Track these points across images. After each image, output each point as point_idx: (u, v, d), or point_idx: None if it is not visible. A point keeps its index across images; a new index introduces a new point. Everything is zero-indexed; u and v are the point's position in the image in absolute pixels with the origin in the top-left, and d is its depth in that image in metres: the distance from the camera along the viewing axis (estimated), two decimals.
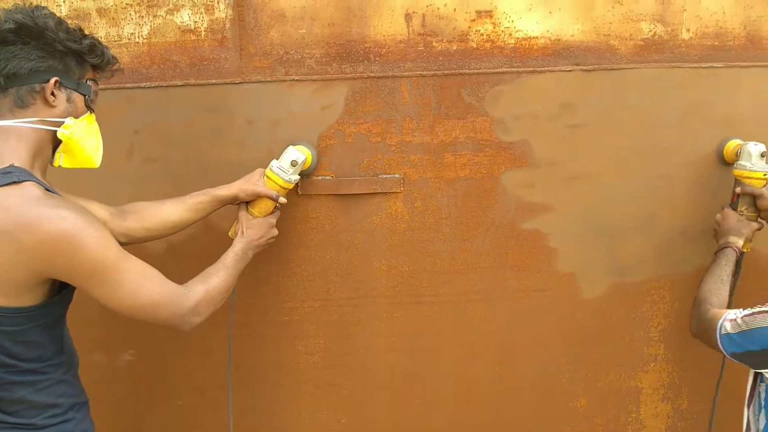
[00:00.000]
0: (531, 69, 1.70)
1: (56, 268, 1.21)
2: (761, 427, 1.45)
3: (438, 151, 1.73)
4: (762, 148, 1.71)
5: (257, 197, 1.60)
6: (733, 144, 1.76)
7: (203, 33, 1.71)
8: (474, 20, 1.68)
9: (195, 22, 1.71)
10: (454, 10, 1.67)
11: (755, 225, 1.74)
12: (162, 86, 1.74)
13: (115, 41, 1.73)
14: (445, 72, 1.69)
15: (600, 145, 1.76)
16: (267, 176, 1.60)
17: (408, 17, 1.67)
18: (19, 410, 1.27)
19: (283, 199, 1.61)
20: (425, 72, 1.69)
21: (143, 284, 1.29)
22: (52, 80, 1.26)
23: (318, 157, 1.72)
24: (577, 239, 1.79)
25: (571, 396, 1.86)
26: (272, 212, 1.63)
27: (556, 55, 1.71)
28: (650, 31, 1.73)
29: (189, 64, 1.72)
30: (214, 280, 1.43)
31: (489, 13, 1.68)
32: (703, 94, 1.77)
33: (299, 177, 1.64)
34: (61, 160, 1.32)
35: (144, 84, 1.74)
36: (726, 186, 1.79)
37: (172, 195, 1.68)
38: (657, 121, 1.76)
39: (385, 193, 1.74)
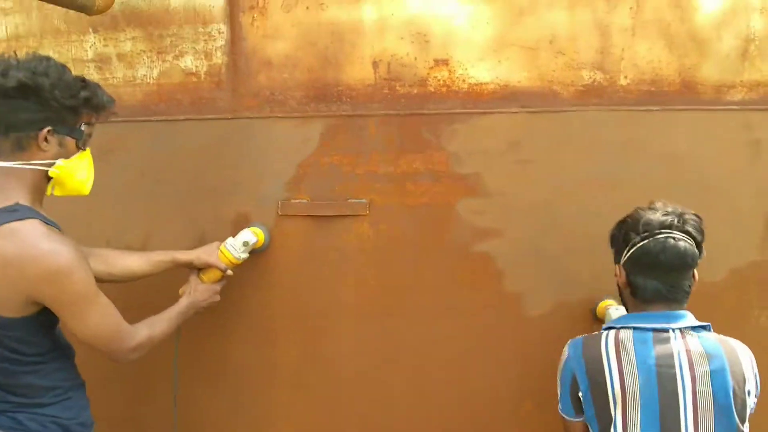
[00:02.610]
0: (482, 110, 1.94)
1: (45, 295, 1.47)
2: None
3: (401, 180, 1.97)
4: (621, 310, 1.80)
5: (209, 266, 1.88)
6: (604, 304, 1.91)
7: (203, 76, 2.01)
8: (432, 68, 1.93)
9: (196, 66, 2.01)
10: (415, 59, 1.93)
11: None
12: (168, 120, 2.05)
13: (130, 81, 2.06)
14: (407, 112, 1.95)
15: (545, 179, 1.98)
16: (221, 250, 1.88)
17: (375, 65, 1.94)
18: (27, 393, 1.54)
19: (230, 272, 1.89)
20: (390, 111, 1.95)
21: (105, 320, 1.56)
22: (45, 130, 1.48)
23: (297, 183, 1.99)
24: (524, 262, 2.00)
25: (519, 402, 2.05)
26: (219, 280, 1.91)
27: (505, 98, 1.94)
28: (590, 77, 1.95)
29: (190, 102, 2.03)
30: (157, 328, 1.71)
31: (445, 62, 1.93)
32: (640, 134, 1.98)
33: (249, 255, 1.91)
34: (53, 190, 1.58)
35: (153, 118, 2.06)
36: None
37: (178, 211, 2.00)
38: (597, 158, 1.98)
39: (354, 215, 1.99)
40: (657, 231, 1.54)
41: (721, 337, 1.59)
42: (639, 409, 1.47)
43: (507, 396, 2.05)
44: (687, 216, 1.58)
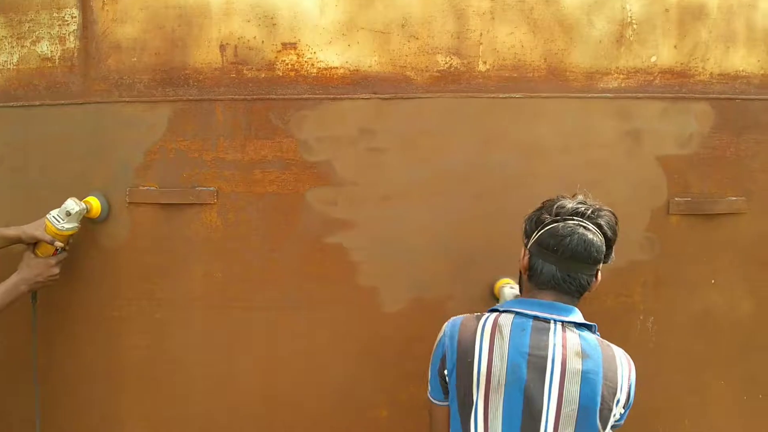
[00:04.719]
0: (332, 96, 1.86)
1: None
2: None
3: (249, 168, 1.90)
4: (516, 290, 1.75)
5: (38, 240, 1.82)
6: (501, 282, 1.84)
7: (58, 61, 1.98)
8: (280, 51, 1.86)
9: (52, 51, 1.98)
10: (262, 42, 1.86)
11: None
12: (25, 106, 2.02)
13: None
14: (254, 97, 1.88)
15: (400, 169, 1.87)
16: (46, 222, 1.82)
17: (222, 48, 1.88)
18: None
19: (59, 244, 1.81)
20: (237, 96, 1.88)
21: None
22: None
23: (145, 170, 1.93)
24: (379, 255, 1.89)
25: (374, 407, 1.93)
26: (54, 254, 1.84)
27: (355, 84, 1.85)
28: (446, 63, 1.84)
29: (46, 87, 2.00)
30: None
31: (293, 45, 1.86)
32: (502, 123, 1.86)
33: (76, 225, 1.84)
34: None
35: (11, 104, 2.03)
36: (519, 213, 1.84)
37: (33, 200, 1.97)
38: (455, 147, 1.86)
39: (201, 204, 1.91)
40: (569, 216, 1.48)
41: (605, 341, 1.49)
42: (503, 395, 1.40)
43: (360, 399, 1.93)
44: (603, 211, 1.51)
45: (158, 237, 1.95)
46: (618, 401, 1.41)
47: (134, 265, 1.96)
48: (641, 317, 1.94)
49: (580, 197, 1.55)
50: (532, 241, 1.52)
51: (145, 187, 1.93)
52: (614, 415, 1.42)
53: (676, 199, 1.91)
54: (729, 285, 1.95)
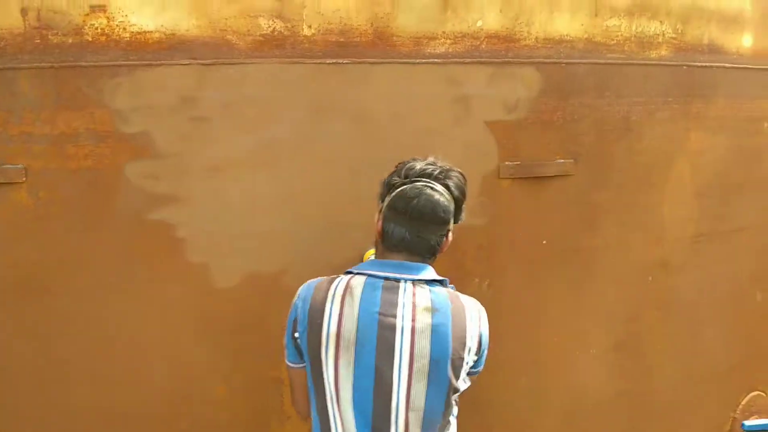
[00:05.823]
0: (147, 62, 1.75)
1: None
2: None
3: (60, 142, 1.76)
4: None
5: None
6: (369, 254, 1.78)
7: None
8: (88, 14, 1.73)
9: None
10: (68, 4, 1.73)
11: None
12: None
13: None
14: (62, 64, 1.74)
15: (226, 138, 1.80)
16: None
17: (24, 11, 1.72)
18: None
19: None
20: (43, 64, 1.74)
21: None
22: None
23: None
24: (208, 230, 1.82)
25: (212, 384, 1.87)
26: None
27: (172, 48, 1.76)
28: (269, 27, 1.79)
29: None
30: None
31: (102, 8, 1.73)
32: (329, 89, 1.82)
33: None
34: None
35: None
36: (350, 182, 1.82)
37: None
38: (281, 114, 1.81)
39: (9, 183, 1.76)
40: (416, 178, 1.49)
41: (455, 293, 1.51)
42: (354, 355, 1.40)
43: (196, 377, 1.86)
44: (452, 172, 1.53)
45: None
46: (469, 350, 1.44)
47: None
48: (476, 280, 1.98)
49: (431, 158, 1.55)
50: (384, 204, 1.51)
51: None
52: (467, 363, 1.45)
53: (506, 163, 1.96)
54: (559, 244, 2.02)
